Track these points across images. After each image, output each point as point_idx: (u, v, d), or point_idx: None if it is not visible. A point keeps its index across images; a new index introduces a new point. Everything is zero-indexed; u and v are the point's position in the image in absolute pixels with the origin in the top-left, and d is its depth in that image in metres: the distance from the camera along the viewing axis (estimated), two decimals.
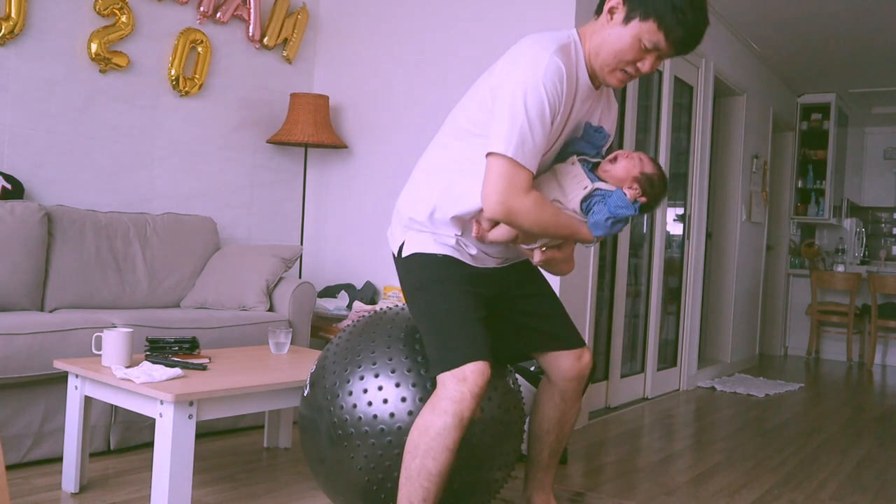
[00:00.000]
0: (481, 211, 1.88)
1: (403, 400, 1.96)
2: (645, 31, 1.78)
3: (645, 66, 1.82)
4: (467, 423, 1.80)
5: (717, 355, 6.20)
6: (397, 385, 1.98)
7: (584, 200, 1.88)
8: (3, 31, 3.28)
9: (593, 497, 2.76)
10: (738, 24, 5.65)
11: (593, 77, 1.89)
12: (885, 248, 9.00)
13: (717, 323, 6.24)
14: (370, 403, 1.97)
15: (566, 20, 3.74)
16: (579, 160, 1.92)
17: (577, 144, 1.94)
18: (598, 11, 1.88)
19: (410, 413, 1.94)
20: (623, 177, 1.88)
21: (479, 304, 1.95)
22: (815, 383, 6.11)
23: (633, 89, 4.39)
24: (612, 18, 1.82)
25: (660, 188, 1.92)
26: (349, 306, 4.03)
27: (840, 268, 7.75)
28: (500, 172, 1.77)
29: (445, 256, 1.96)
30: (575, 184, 1.88)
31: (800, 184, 7.93)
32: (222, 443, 3.18)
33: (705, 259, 5.76)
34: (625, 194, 1.86)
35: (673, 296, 5.20)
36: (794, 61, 6.66)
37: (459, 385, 1.79)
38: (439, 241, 1.96)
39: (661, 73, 4.74)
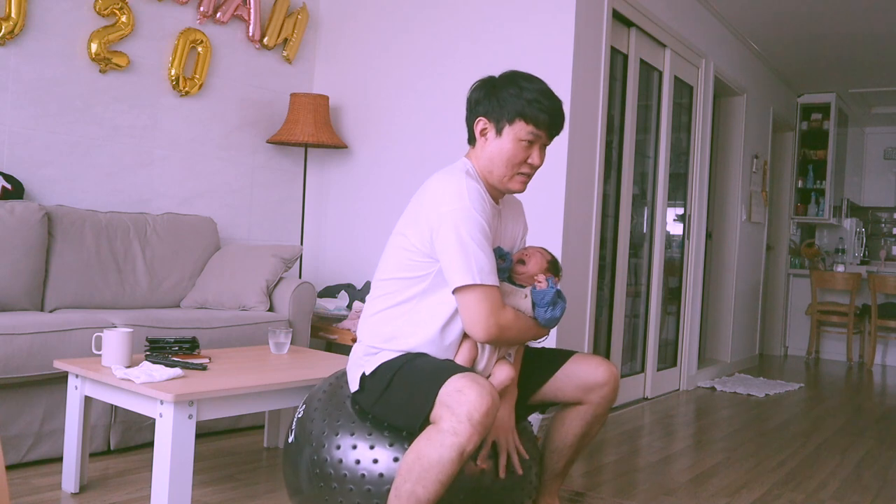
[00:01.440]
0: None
1: (396, 460, 1.87)
2: (518, 130, 1.96)
3: (535, 159, 1.99)
4: (468, 456, 1.70)
5: (717, 355, 6.20)
6: (391, 445, 1.89)
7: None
8: (3, 31, 3.28)
9: (593, 497, 2.76)
10: (738, 24, 5.66)
11: (494, 197, 2.05)
12: (885, 248, 9.00)
13: (717, 323, 6.24)
14: (357, 461, 1.89)
15: (566, 18, 3.74)
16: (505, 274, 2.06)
17: None
18: (472, 140, 2.06)
19: (397, 460, 1.87)
20: (536, 271, 2.06)
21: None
22: (815, 383, 6.11)
23: (632, 89, 4.39)
24: (486, 138, 2.01)
25: (559, 265, 2.15)
26: (349, 306, 4.03)
27: (840, 268, 7.75)
28: (477, 300, 1.85)
29: (408, 352, 1.97)
30: (515, 297, 2.00)
31: (800, 184, 7.93)
32: (222, 443, 3.18)
33: (705, 259, 5.76)
34: (552, 287, 2.02)
35: (673, 296, 5.20)
36: (794, 61, 6.67)
37: (457, 415, 1.68)
38: (399, 348, 1.98)
39: (660, 73, 4.74)
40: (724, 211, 6.23)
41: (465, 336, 1.98)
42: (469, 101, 2.06)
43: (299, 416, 2.06)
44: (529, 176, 2.02)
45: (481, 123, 2.01)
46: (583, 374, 2.09)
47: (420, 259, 1.95)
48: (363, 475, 1.87)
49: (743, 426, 4.23)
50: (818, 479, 3.23)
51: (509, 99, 1.96)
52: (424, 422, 1.77)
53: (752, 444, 3.80)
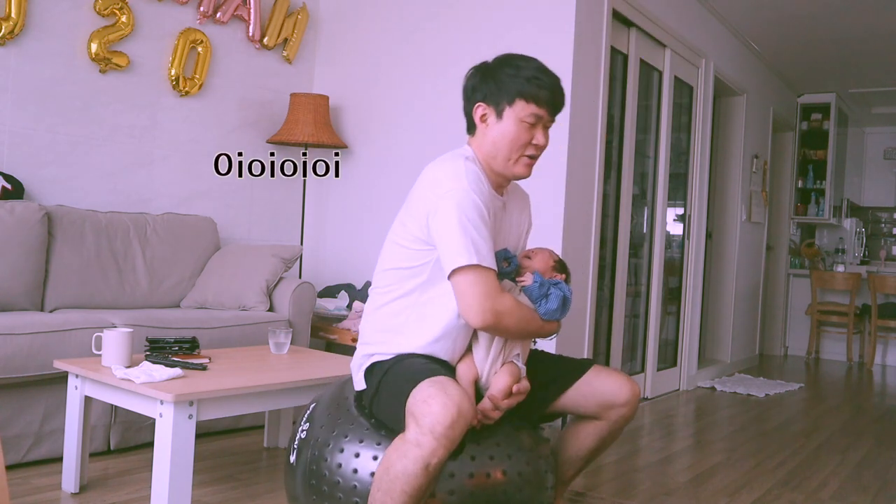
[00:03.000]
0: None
1: None
2: (519, 111, 1.90)
3: (539, 139, 1.93)
4: (435, 470, 1.64)
5: (717, 355, 6.20)
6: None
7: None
8: (3, 31, 3.28)
9: (593, 497, 2.76)
10: (738, 24, 5.66)
11: (497, 186, 1.98)
12: (885, 248, 9.00)
13: (717, 323, 6.24)
14: (355, 471, 1.84)
15: (566, 18, 3.74)
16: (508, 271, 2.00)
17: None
18: (471, 128, 2.00)
19: None
20: (542, 269, 2.01)
21: (443, 368, 1.86)
22: (815, 383, 6.11)
23: (632, 89, 4.39)
24: (486, 124, 1.94)
25: (566, 267, 2.10)
26: (349, 306, 4.03)
27: (840, 268, 7.75)
28: (471, 282, 1.77)
29: (400, 354, 1.90)
30: (512, 293, 1.93)
31: (800, 184, 7.93)
32: (222, 443, 3.18)
33: (705, 259, 5.76)
34: (537, 280, 1.95)
35: (673, 296, 5.20)
36: (794, 61, 6.67)
37: (420, 427, 1.62)
38: (404, 348, 1.91)
39: (660, 73, 4.74)
40: (724, 211, 6.23)
41: (465, 353, 1.93)
42: (465, 89, 2.00)
43: (302, 436, 2.01)
44: (535, 158, 1.95)
45: (480, 109, 1.95)
46: (606, 390, 2.02)
47: (418, 247, 1.88)
48: (355, 486, 1.82)
49: (743, 426, 4.23)
50: (818, 479, 3.23)
51: (507, 80, 1.91)
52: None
53: (752, 444, 3.80)
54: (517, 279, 1.96)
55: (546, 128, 1.94)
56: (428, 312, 1.90)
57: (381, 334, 1.96)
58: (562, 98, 1.95)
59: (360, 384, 1.99)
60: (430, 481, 1.66)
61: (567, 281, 2.05)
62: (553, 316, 1.93)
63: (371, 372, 1.94)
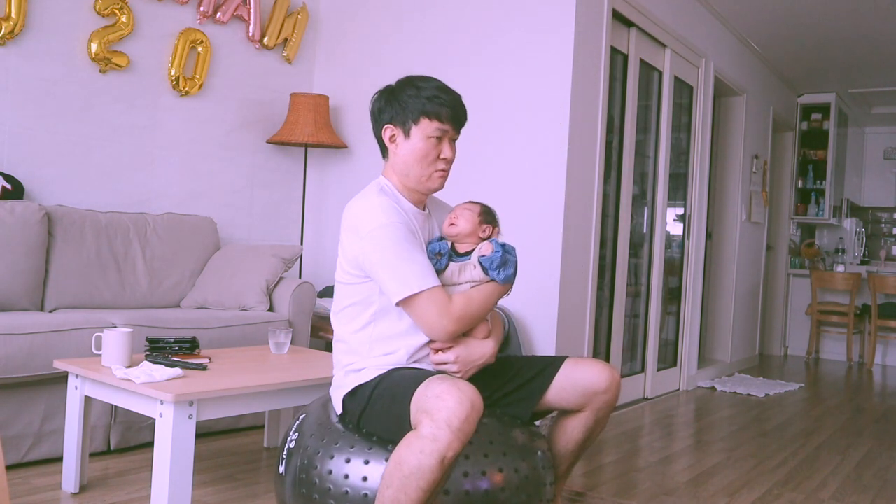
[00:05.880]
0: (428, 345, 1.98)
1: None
2: (424, 128, 2.01)
3: (447, 152, 2.03)
4: (450, 464, 1.66)
5: (717, 355, 6.20)
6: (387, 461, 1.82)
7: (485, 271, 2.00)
8: (3, 31, 3.28)
9: (593, 497, 2.76)
10: (738, 24, 5.66)
11: (417, 202, 2.08)
12: (885, 248, 9.00)
13: (717, 323, 6.24)
14: (346, 476, 1.86)
15: (566, 18, 3.74)
16: (446, 263, 2.04)
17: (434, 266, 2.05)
18: (384, 152, 2.10)
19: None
20: (471, 229, 2.05)
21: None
22: (815, 383, 6.11)
23: (632, 89, 4.39)
24: (396, 144, 2.05)
25: (493, 211, 2.12)
26: None
27: (840, 268, 7.75)
28: (422, 307, 1.89)
29: (390, 371, 1.96)
30: (465, 271, 2.00)
31: (800, 184, 7.93)
32: (222, 443, 3.18)
33: (705, 259, 5.76)
34: (497, 249, 1.98)
35: (673, 296, 5.20)
36: (794, 61, 6.67)
37: (436, 421, 1.64)
38: (382, 365, 1.97)
39: (660, 73, 4.74)
40: (724, 211, 6.23)
41: None
42: (372, 113, 2.09)
43: (290, 446, 2.02)
44: (446, 171, 2.05)
45: (389, 130, 2.04)
46: (586, 380, 2.05)
47: (360, 281, 1.98)
48: (346, 492, 1.84)
49: (743, 426, 4.23)
50: (818, 479, 3.23)
51: (409, 100, 2.00)
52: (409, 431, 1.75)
53: (752, 444, 3.80)
54: (479, 255, 1.99)
55: (452, 141, 2.04)
56: (392, 334, 1.98)
57: (357, 356, 2.01)
58: (463, 112, 2.04)
59: (339, 407, 2.03)
60: (444, 476, 1.68)
61: (499, 230, 2.09)
62: (511, 280, 2.01)
63: (355, 394, 1.98)
